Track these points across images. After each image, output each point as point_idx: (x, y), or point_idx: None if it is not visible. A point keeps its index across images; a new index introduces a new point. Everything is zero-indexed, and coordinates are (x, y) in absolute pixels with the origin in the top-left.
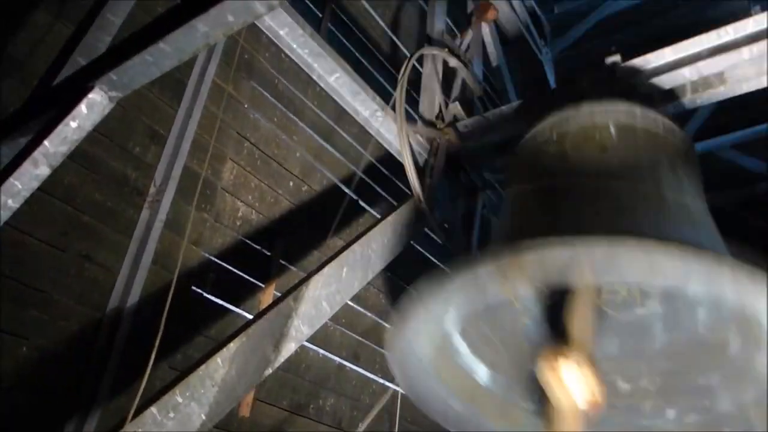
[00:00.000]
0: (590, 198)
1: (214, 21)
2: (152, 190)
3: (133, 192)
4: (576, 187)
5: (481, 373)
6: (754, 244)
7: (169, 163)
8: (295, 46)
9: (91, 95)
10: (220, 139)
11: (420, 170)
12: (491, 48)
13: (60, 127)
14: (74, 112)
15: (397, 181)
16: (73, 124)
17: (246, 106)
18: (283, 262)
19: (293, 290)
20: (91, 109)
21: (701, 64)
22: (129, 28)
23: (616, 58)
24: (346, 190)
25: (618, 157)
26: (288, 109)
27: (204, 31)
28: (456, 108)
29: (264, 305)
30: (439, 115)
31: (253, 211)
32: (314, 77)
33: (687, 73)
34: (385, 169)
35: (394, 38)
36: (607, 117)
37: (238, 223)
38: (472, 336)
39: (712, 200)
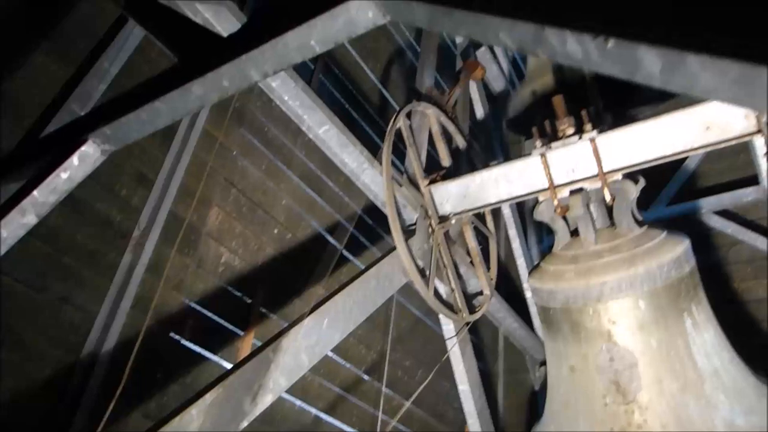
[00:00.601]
0: None
1: (209, 85)
2: (136, 233)
3: (116, 235)
4: None
5: None
6: None
7: (155, 207)
8: (286, 97)
9: (84, 147)
10: (207, 184)
11: (404, 225)
12: (478, 105)
13: (51, 177)
14: (66, 164)
15: (381, 232)
16: (64, 175)
17: (235, 153)
18: (263, 311)
19: (272, 341)
20: (83, 161)
21: None
22: (127, 75)
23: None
24: (331, 240)
25: (651, 333)
26: (276, 157)
27: (199, 94)
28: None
29: (242, 354)
30: (423, 173)
31: (236, 258)
32: (303, 128)
33: None
34: (370, 219)
35: (384, 91)
36: (633, 292)
37: (221, 270)
38: None
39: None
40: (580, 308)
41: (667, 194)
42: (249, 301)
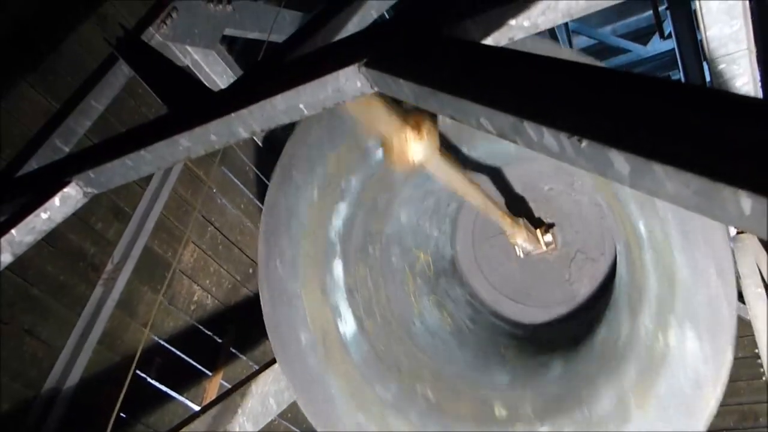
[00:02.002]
0: None
1: (197, 139)
2: (109, 267)
3: (88, 268)
4: None
5: None
6: None
7: (130, 242)
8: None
9: (66, 189)
10: (184, 221)
11: None
12: None
13: (30, 217)
14: (47, 204)
15: None
16: (44, 216)
17: (215, 190)
18: (233, 351)
19: (241, 385)
20: (65, 202)
21: None
22: (114, 112)
23: None
24: None
25: None
26: (256, 196)
27: (186, 146)
28: None
29: (210, 395)
30: None
31: (209, 296)
32: None
33: None
34: None
35: None
36: None
37: (192, 308)
38: None
39: None
40: None
41: None
42: (219, 340)
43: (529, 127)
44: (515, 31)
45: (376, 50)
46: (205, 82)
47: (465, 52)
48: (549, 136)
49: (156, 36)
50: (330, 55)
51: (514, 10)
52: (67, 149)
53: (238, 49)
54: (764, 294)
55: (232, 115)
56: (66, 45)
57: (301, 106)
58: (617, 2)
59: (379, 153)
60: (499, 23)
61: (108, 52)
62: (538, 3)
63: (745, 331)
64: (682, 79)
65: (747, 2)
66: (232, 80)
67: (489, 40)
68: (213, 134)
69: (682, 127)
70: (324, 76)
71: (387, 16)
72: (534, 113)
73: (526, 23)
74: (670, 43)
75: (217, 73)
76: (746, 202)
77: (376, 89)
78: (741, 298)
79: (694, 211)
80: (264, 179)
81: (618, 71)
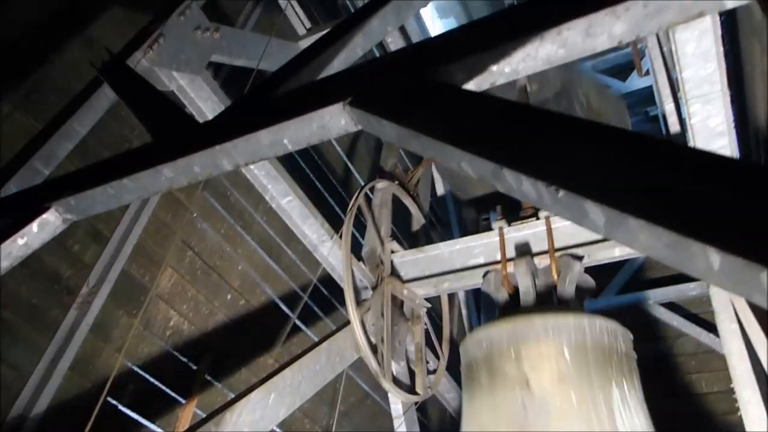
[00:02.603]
0: None
1: (180, 170)
2: (84, 290)
3: (63, 291)
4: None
5: None
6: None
7: (107, 265)
8: (252, 167)
9: (45, 215)
10: (163, 245)
11: (360, 300)
12: (440, 183)
13: (8, 242)
14: (25, 230)
15: (337, 304)
16: (21, 241)
17: (195, 215)
18: (208, 378)
19: (215, 414)
20: (43, 228)
21: None
22: (96, 133)
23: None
24: (285, 309)
25: (574, 388)
26: (237, 221)
27: (169, 177)
28: (393, 244)
29: (182, 424)
30: (382, 251)
31: (186, 322)
32: (267, 197)
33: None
34: (326, 290)
35: (349, 164)
36: (560, 339)
37: (168, 333)
38: None
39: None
40: (502, 351)
41: (617, 284)
42: (194, 367)
43: (508, 175)
44: (496, 77)
45: (361, 90)
46: (190, 108)
47: (448, 97)
48: (528, 184)
49: (142, 61)
50: (315, 93)
51: (496, 56)
52: (47, 172)
53: (223, 75)
54: (738, 330)
55: (217, 148)
56: (51, 66)
57: (286, 141)
58: (594, 53)
59: None
60: (481, 68)
61: (93, 75)
62: (519, 51)
63: (719, 365)
64: (659, 116)
65: (721, 47)
66: (217, 106)
67: (471, 84)
68: (197, 166)
69: (657, 183)
70: (309, 113)
71: (376, 52)
72: (513, 161)
73: (507, 69)
74: (649, 80)
75: (201, 98)
76: (715, 258)
77: (359, 127)
78: (715, 332)
79: (665, 262)
80: (246, 206)
81: (599, 124)
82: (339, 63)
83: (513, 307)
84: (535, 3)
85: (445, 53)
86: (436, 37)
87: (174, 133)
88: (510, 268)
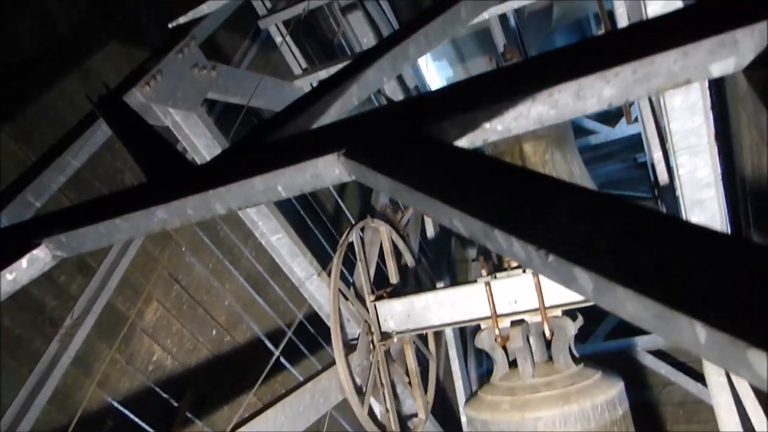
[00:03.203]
0: None
1: (174, 212)
2: (68, 322)
3: (46, 322)
4: None
5: None
6: None
7: (92, 297)
8: None
9: (35, 251)
10: (150, 278)
11: (348, 344)
12: (430, 224)
13: None
14: (14, 266)
15: (322, 341)
16: (9, 277)
17: (184, 248)
18: (189, 416)
19: None
20: (32, 265)
21: None
22: (88, 165)
23: None
24: (270, 346)
25: None
26: (225, 256)
27: (162, 218)
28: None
29: None
30: (370, 290)
31: (169, 357)
32: (257, 234)
33: None
34: (312, 327)
35: (340, 201)
36: (566, 428)
37: (151, 368)
38: None
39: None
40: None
41: (604, 330)
42: (176, 404)
43: (499, 235)
44: (489, 134)
45: (356, 142)
46: (184, 143)
47: (441, 153)
48: (518, 246)
49: (139, 96)
50: (311, 142)
51: (489, 114)
52: (38, 204)
53: (217, 110)
54: (726, 383)
55: (211, 192)
56: (48, 97)
57: (280, 188)
58: (586, 114)
59: None
60: (474, 126)
61: (89, 107)
62: (511, 110)
63: (708, 416)
64: (648, 163)
65: (708, 100)
66: (211, 143)
67: (464, 140)
68: (190, 209)
69: (647, 253)
70: (304, 162)
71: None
72: (504, 222)
73: (499, 127)
74: (637, 127)
75: (196, 135)
76: (701, 332)
77: (353, 177)
78: (703, 381)
79: (652, 331)
80: (235, 240)
81: (593, 191)
82: (335, 111)
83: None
84: (528, 64)
85: (439, 110)
86: (430, 93)
87: (168, 174)
88: (502, 323)
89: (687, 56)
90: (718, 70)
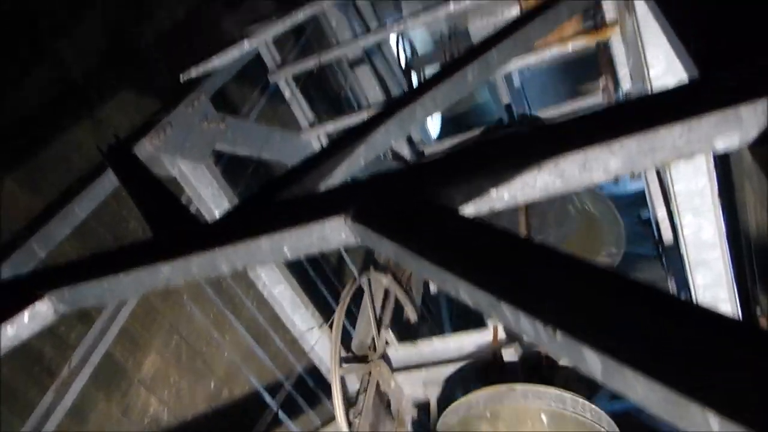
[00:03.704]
0: None
1: (178, 269)
2: (65, 372)
3: (43, 372)
4: None
5: None
6: None
7: (91, 347)
8: None
9: (38, 304)
10: (150, 328)
11: (348, 399)
12: None
13: None
14: (15, 318)
15: (323, 397)
16: (10, 331)
17: (185, 297)
18: None
19: None
20: (34, 319)
21: None
22: (95, 214)
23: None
24: (269, 400)
25: None
26: (226, 306)
27: (166, 275)
28: (388, 334)
29: None
30: (372, 344)
31: (166, 410)
32: (259, 285)
33: None
34: (312, 382)
35: (343, 252)
36: (539, 403)
37: (146, 421)
38: None
39: None
40: (480, 414)
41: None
42: None
43: (507, 309)
44: (495, 202)
45: (363, 206)
46: (190, 194)
47: (448, 221)
48: (525, 321)
49: (148, 147)
50: (318, 204)
51: (495, 183)
52: (43, 254)
53: (224, 160)
54: None
55: (217, 250)
56: (57, 144)
57: (286, 249)
58: (592, 185)
59: None
60: (480, 193)
61: (98, 158)
62: (518, 179)
63: None
64: (651, 220)
65: (712, 163)
66: (217, 193)
67: (470, 207)
68: (195, 267)
69: (659, 336)
70: (311, 224)
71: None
72: (512, 295)
73: (506, 196)
74: (641, 184)
75: (203, 185)
76: (714, 421)
77: (359, 241)
78: None
79: (662, 416)
80: (237, 291)
81: (604, 269)
82: (341, 172)
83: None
84: (535, 134)
85: (445, 176)
86: (437, 159)
87: (175, 230)
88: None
89: (691, 131)
90: (722, 145)
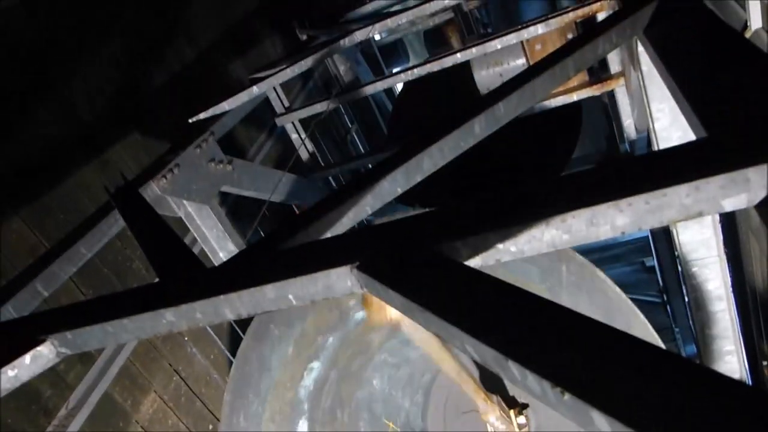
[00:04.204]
0: None
1: (182, 315)
2: (62, 413)
3: (40, 412)
4: None
5: None
6: None
7: (90, 387)
8: None
9: (40, 348)
10: (150, 369)
11: None
12: None
13: None
14: (17, 362)
15: None
16: (11, 373)
17: (186, 338)
18: None
19: None
20: (35, 361)
21: None
22: (99, 253)
23: None
24: None
25: None
26: (228, 347)
27: (170, 321)
28: None
29: None
30: None
31: None
32: None
33: None
34: None
35: None
36: None
37: None
38: None
39: None
40: None
41: None
42: None
43: (513, 366)
44: (502, 254)
45: (369, 256)
46: (195, 234)
47: (454, 273)
48: (533, 380)
49: (155, 189)
50: (324, 252)
51: (502, 236)
52: (46, 294)
53: (230, 201)
54: None
55: (221, 297)
56: (64, 184)
57: (290, 296)
58: (595, 241)
59: (359, 314)
60: (486, 246)
61: (105, 198)
62: (525, 233)
63: None
64: (656, 268)
65: (717, 215)
66: (222, 234)
67: (477, 260)
68: (199, 313)
69: (670, 399)
70: (316, 273)
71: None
72: (519, 353)
73: (512, 248)
74: (645, 231)
75: (208, 227)
76: None
77: (365, 290)
78: None
79: None
80: (239, 331)
81: (615, 329)
82: (348, 220)
83: None
84: (543, 189)
85: (452, 229)
86: (444, 212)
87: (180, 274)
88: None
89: (699, 191)
90: (730, 205)
